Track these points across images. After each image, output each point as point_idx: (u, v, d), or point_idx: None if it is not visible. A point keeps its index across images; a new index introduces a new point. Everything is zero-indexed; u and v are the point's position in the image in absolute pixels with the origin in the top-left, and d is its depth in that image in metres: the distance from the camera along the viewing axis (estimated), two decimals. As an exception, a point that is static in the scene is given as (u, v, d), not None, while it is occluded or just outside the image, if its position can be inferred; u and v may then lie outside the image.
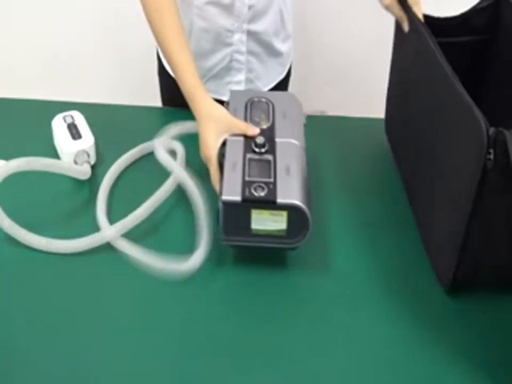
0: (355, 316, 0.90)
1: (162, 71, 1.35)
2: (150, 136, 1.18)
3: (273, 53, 1.31)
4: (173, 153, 1.05)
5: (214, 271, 0.95)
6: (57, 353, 0.83)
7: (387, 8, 1.09)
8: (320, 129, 1.25)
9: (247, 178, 0.91)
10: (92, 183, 1.09)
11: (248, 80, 1.31)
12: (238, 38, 1.24)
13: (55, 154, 1.13)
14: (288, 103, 1.09)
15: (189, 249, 0.93)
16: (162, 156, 1.01)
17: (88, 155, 1.10)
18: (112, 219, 0.98)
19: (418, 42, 1.02)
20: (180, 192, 1.01)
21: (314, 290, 0.94)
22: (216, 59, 1.27)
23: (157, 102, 1.42)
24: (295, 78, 1.45)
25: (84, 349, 0.84)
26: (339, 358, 0.85)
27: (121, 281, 0.92)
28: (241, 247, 0.96)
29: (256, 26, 1.24)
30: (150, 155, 1.15)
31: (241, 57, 1.27)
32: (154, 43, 1.12)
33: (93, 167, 1.11)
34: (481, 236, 0.86)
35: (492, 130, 0.77)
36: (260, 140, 0.97)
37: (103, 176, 1.10)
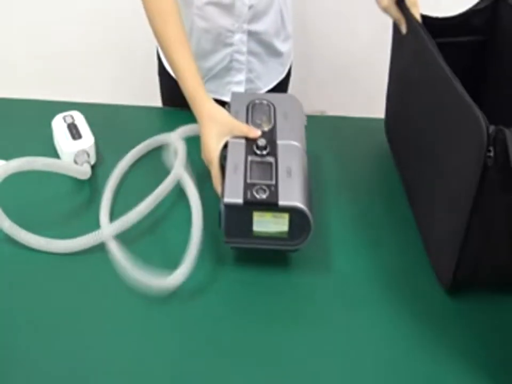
0: (355, 316, 0.90)
1: (162, 71, 1.35)
2: (150, 136, 1.18)
3: (274, 53, 1.31)
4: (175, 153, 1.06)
5: (214, 270, 0.95)
6: (57, 353, 0.83)
7: (385, 10, 1.09)
8: (320, 129, 1.25)
9: (248, 181, 0.92)
10: (92, 183, 1.09)
11: (249, 80, 1.31)
12: (239, 38, 1.24)
13: (55, 154, 1.13)
14: (289, 105, 1.09)
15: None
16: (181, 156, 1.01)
17: (88, 155, 1.10)
18: (113, 219, 0.98)
19: (417, 43, 1.02)
20: (181, 190, 1.01)
21: (315, 290, 0.94)
22: (216, 59, 1.27)
23: (157, 102, 1.42)
24: (295, 78, 1.45)
25: (84, 348, 0.84)
26: (339, 357, 0.85)
27: (121, 281, 0.92)
28: (242, 248, 0.96)
29: (257, 27, 1.24)
30: (151, 153, 1.15)
31: (242, 57, 1.27)
32: (155, 43, 1.12)
33: (93, 167, 1.11)
34: (481, 236, 0.86)
35: (491, 128, 0.77)
36: (262, 142, 0.97)
37: (103, 176, 1.10)
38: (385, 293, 0.94)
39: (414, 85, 1.07)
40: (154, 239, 1.00)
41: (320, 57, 2.11)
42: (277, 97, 1.11)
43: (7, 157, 1.00)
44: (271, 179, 0.92)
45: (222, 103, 1.22)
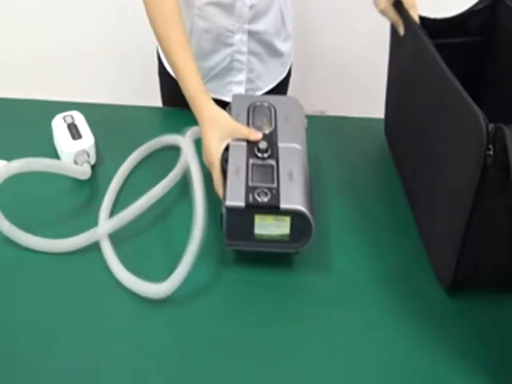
0: (355, 316, 0.91)
1: (162, 71, 1.35)
2: (150, 136, 1.18)
3: (274, 53, 1.31)
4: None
5: (215, 270, 0.95)
6: (55, 353, 0.83)
7: (382, 12, 1.10)
8: (320, 129, 1.25)
9: (250, 184, 0.92)
10: (92, 183, 1.09)
11: (249, 80, 1.31)
12: (239, 38, 1.24)
13: (55, 154, 1.13)
14: (290, 107, 1.09)
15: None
16: (190, 156, 1.01)
17: (88, 155, 1.10)
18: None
19: (415, 45, 1.02)
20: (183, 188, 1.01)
21: (315, 290, 0.94)
22: (217, 59, 1.27)
23: (157, 102, 1.42)
24: (295, 78, 1.45)
25: (83, 348, 0.84)
26: (339, 357, 0.85)
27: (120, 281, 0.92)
28: (243, 250, 0.96)
29: (257, 26, 1.24)
30: (153, 155, 1.15)
31: (242, 57, 1.27)
32: (155, 43, 1.12)
33: (93, 167, 1.11)
34: (481, 236, 0.86)
35: (491, 126, 0.77)
36: (263, 145, 0.97)
37: (103, 176, 1.10)
38: (385, 293, 0.94)
39: (413, 85, 1.07)
40: (155, 237, 1.00)
41: (320, 57, 2.11)
42: (277, 99, 1.11)
43: (7, 157, 1.01)
44: (272, 182, 0.92)
45: (223, 103, 1.22)
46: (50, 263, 0.95)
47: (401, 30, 1.09)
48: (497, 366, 0.84)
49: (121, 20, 1.97)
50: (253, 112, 1.06)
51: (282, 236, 0.91)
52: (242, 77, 1.30)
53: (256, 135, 1.00)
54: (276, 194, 0.90)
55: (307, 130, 1.07)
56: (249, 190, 0.91)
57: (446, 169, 0.91)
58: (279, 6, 1.25)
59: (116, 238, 0.97)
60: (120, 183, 1.07)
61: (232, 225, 0.91)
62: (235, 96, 1.12)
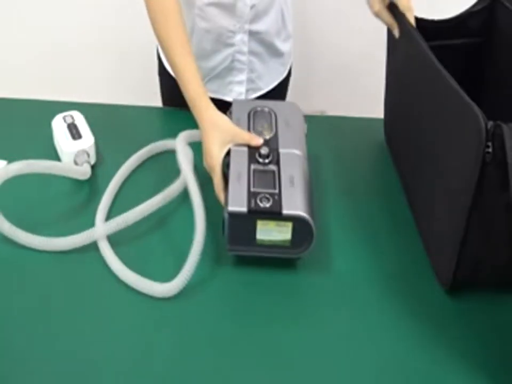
0: (355, 316, 0.90)
1: (162, 71, 1.35)
2: (150, 136, 1.18)
3: (275, 53, 1.31)
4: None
5: (215, 270, 0.95)
6: (55, 352, 0.83)
7: (376, 14, 1.10)
8: (320, 129, 1.25)
9: (252, 189, 0.92)
10: (92, 183, 1.09)
11: (250, 80, 1.31)
12: (240, 39, 1.24)
13: (55, 155, 1.13)
14: (290, 113, 1.10)
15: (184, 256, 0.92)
16: (183, 163, 1.01)
17: (88, 155, 1.10)
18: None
19: (410, 46, 1.02)
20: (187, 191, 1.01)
21: (315, 290, 0.94)
22: (218, 59, 1.27)
23: (157, 102, 1.42)
24: (295, 78, 1.45)
25: (83, 347, 0.84)
26: (339, 357, 0.85)
27: (120, 280, 0.92)
28: (244, 255, 0.96)
29: (258, 26, 1.24)
30: (152, 158, 1.15)
31: (243, 58, 1.27)
32: (155, 42, 1.12)
33: (93, 167, 1.11)
34: (481, 235, 0.86)
35: (490, 124, 0.77)
36: (265, 150, 0.98)
37: (103, 176, 1.10)
38: (385, 293, 0.94)
39: (411, 86, 1.07)
40: (154, 239, 1.00)
41: (320, 57, 2.11)
42: (278, 104, 1.11)
43: (7, 157, 1.01)
44: (274, 188, 0.93)
45: (223, 103, 1.23)
46: (50, 262, 0.95)
47: (396, 33, 1.09)
48: (497, 366, 0.84)
49: (121, 20, 1.97)
50: (254, 117, 1.07)
51: (284, 241, 0.92)
52: (243, 77, 1.30)
53: (257, 141, 1.00)
54: (277, 200, 0.91)
55: (307, 135, 1.08)
56: (251, 195, 0.91)
57: (445, 168, 0.91)
58: (279, 6, 1.25)
59: (114, 239, 0.96)
60: (118, 186, 1.07)
61: (234, 231, 0.91)
62: (235, 101, 1.12)
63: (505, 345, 0.87)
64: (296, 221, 0.90)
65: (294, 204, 0.91)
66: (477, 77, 1.14)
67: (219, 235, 0.95)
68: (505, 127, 0.76)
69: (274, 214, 0.90)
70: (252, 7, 1.20)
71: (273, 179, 0.95)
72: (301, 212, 0.90)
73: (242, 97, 1.32)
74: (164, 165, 1.12)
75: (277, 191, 0.92)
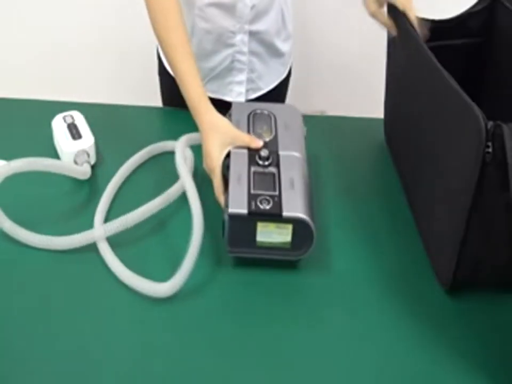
0: (355, 316, 0.90)
1: (162, 71, 1.35)
2: (150, 136, 1.18)
3: (275, 53, 1.31)
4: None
5: (214, 270, 0.95)
6: (55, 351, 0.83)
7: (372, 15, 1.10)
8: (320, 129, 1.25)
9: (252, 191, 0.92)
10: (92, 183, 1.09)
11: (250, 80, 1.31)
12: (240, 39, 1.24)
13: (55, 154, 1.13)
14: (289, 115, 1.10)
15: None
16: (180, 165, 1.01)
17: (88, 155, 1.10)
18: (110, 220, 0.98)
19: (410, 47, 1.02)
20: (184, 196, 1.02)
21: (314, 290, 0.94)
22: (218, 60, 1.27)
23: (157, 102, 1.42)
24: (295, 78, 1.45)
25: (83, 348, 0.83)
26: (339, 357, 0.85)
27: (120, 280, 0.92)
28: (244, 257, 0.96)
29: (258, 27, 1.24)
30: (154, 158, 1.15)
31: (243, 58, 1.27)
32: (155, 42, 1.12)
33: (93, 167, 1.11)
34: (481, 235, 0.86)
35: (490, 124, 0.77)
36: (265, 152, 0.98)
37: (103, 176, 1.10)
38: (385, 293, 0.94)
39: (411, 86, 1.07)
40: (153, 240, 1.00)
41: (320, 57, 2.11)
42: (277, 107, 1.12)
43: (7, 157, 1.01)
44: (274, 190, 0.93)
45: (223, 103, 1.23)
46: (49, 262, 0.95)
47: (392, 32, 1.09)
48: (497, 366, 0.84)
49: (121, 20, 1.97)
50: (253, 119, 1.07)
51: (284, 243, 0.92)
52: (243, 77, 1.30)
53: (257, 143, 1.00)
54: (278, 202, 0.91)
55: (306, 137, 1.08)
56: (251, 197, 0.91)
57: (445, 168, 0.91)
58: (279, 6, 1.25)
59: (114, 240, 0.96)
60: (116, 187, 1.07)
61: (234, 233, 0.92)
62: (235, 104, 1.13)
63: (505, 345, 0.87)
64: (296, 223, 0.90)
65: (294, 206, 0.91)
66: (477, 77, 1.14)
67: (219, 236, 0.95)
68: (505, 127, 0.76)
69: (275, 216, 0.90)
70: (252, 7, 1.20)
71: (273, 181, 0.95)
72: (301, 214, 0.90)
73: (243, 97, 1.32)
74: (163, 166, 1.12)
75: (277, 193, 0.93)
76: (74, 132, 1.11)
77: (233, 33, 1.23)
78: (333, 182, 1.14)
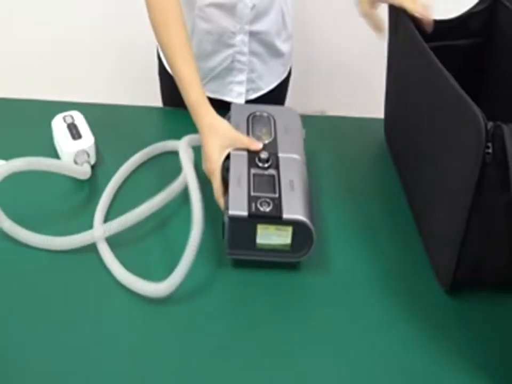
0: (355, 316, 0.90)
1: (162, 71, 1.35)
2: (150, 136, 1.18)
3: (275, 53, 1.31)
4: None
5: (214, 270, 0.95)
6: (55, 351, 0.83)
7: (364, 16, 1.10)
8: (320, 129, 1.25)
9: (252, 194, 0.92)
10: (92, 183, 1.09)
11: (250, 80, 1.31)
12: (240, 39, 1.24)
13: (55, 154, 1.13)
14: (288, 118, 1.10)
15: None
16: (185, 163, 1.01)
17: (88, 155, 1.10)
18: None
19: (411, 46, 1.02)
20: (186, 194, 1.01)
21: (314, 290, 0.94)
22: (218, 60, 1.27)
23: (157, 102, 1.42)
24: (295, 78, 1.45)
25: (83, 348, 0.83)
26: (339, 357, 0.85)
27: (117, 279, 0.92)
28: (244, 259, 0.96)
29: (258, 27, 1.24)
30: (154, 158, 1.15)
31: (243, 58, 1.27)
32: (155, 42, 1.12)
33: (93, 167, 1.11)
34: (481, 235, 0.86)
35: (490, 124, 0.77)
36: (264, 155, 0.98)
37: (103, 176, 1.10)
38: (385, 293, 0.94)
39: (411, 86, 1.07)
40: (153, 240, 1.00)
41: (320, 57, 2.11)
42: (276, 109, 1.12)
43: (7, 157, 1.01)
44: (274, 192, 0.93)
45: (223, 103, 1.22)
46: (49, 262, 0.95)
47: (381, 35, 1.09)
48: (497, 366, 0.84)
49: (121, 20, 1.97)
50: (252, 122, 1.07)
51: (284, 245, 0.92)
52: (243, 77, 1.30)
53: (256, 145, 1.00)
54: (278, 204, 0.91)
55: (305, 140, 1.08)
56: (251, 199, 0.91)
57: (445, 168, 0.91)
58: (279, 6, 1.25)
59: (114, 240, 0.96)
60: (116, 187, 1.07)
61: (234, 235, 0.92)
62: (234, 106, 1.13)
63: (505, 345, 0.87)
64: (296, 225, 0.90)
65: (294, 208, 0.91)
66: (478, 77, 1.14)
67: (219, 236, 0.95)
68: (505, 128, 0.76)
69: (275, 218, 0.90)
70: (252, 7, 1.20)
71: (273, 183, 0.95)
72: (301, 216, 0.90)
73: (243, 97, 1.32)
74: (164, 166, 1.12)
75: (277, 195, 0.93)
76: (74, 132, 1.11)
77: (234, 33, 1.23)
78: (332, 182, 1.14)
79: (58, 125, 1.13)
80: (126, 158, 1.11)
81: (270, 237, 0.91)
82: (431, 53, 0.94)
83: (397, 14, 1.08)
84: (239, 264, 0.96)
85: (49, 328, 0.86)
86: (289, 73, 1.41)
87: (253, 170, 0.97)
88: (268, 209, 0.90)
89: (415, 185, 1.06)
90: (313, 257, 0.95)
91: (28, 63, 2.10)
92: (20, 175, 0.96)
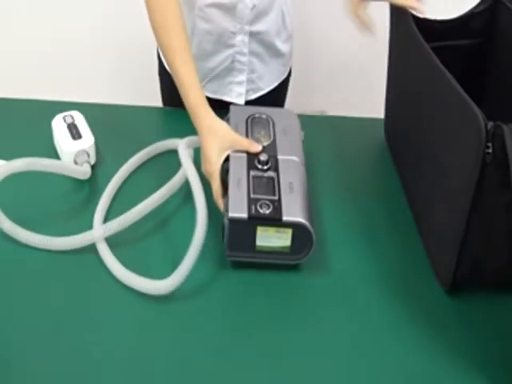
0: (355, 316, 0.90)
1: (162, 71, 1.35)
2: (150, 136, 1.18)
3: (276, 53, 1.31)
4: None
5: (215, 271, 0.95)
6: (55, 352, 0.83)
7: (353, 15, 1.10)
8: (320, 129, 1.25)
9: (252, 196, 0.93)
10: (92, 183, 1.09)
11: (250, 81, 1.31)
12: (240, 39, 1.24)
13: (55, 154, 1.13)
14: (287, 120, 1.11)
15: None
16: (185, 162, 1.01)
17: (88, 155, 1.10)
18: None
19: (412, 46, 1.02)
20: (187, 193, 1.02)
21: (314, 290, 0.94)
22: (218, 60, 1.27)
23: (157, 102, 1.42)
24: (295, 78, 1.45)
25: (83, 348, 0.83)
26: (339, 357, 0.85)
27: (121, 281, 0.92)
28: (243, 261, 0.96)
29: (258, 27, 1.24)
30: (155, 158, 1.15)
31: (243, 58, 1.27)
32: (155, 42, 1.12)
33: (93, 167, 1.11)
34: (481, 235, 0.86)
35: (490, 124, 0.77)
36: (264, 157, 0.98)
37: (103, 176, 1.10)
38: (385, 293, 0.94)
39: (411, 86, 1.07)
40: (154, 240, 1.00)
41: (320, 56, 2.11)
42: (274, 111, 1.12)
43: (7, 157, 1.01)
44: (274, 194, 0.93)
45: (223, 104, 1.22)
46: (49, 262, 0.94)
47: (370, 34, 1.09)
48: (497, 366, 0.84)
49: (121, 20, 1.97)
50: (251, 124, 1.07)
51: (284, 247, 0.92)
52: (243, 77, 1.30)
53: (256, 147, 1.00)
54: (277, 206, 0.91)
55: (303, 142, 1.08)
56: (251, 201, 0.92)
57: (445, 168, 0.91)
58: (279, 6, 1.25)
59: (114, 240, 0.96)
60: (116, 187, 1.07)
61: (234, 237, 0.92)
62: (233, 108, 1.13)
63: (505, 345, 0.87)
64: (296, 228, 0.90)
65: (294, 210, 0.91)
66: (478, 77, 1.14)
67: (219, 236, 0.95)
68: (505, 128, 0.76)
69: (275, 221, 0.90)
70: (253, 8, 1.20)
71: (273, 185, 0.95)
72: (301, 219, 0.90)
73: (243, 97, 1.32)
74: (164, 166, 1.12)
75: (276, 197, 0.93)
76: (74, 132, 1.11)
77: (234, 33, 1.23)
78: (332, 182, 1.14)
79: (58, 125, 1.13)
80: (126, 158, 1.11)
81: (270, 239, 0.92)
82: (432, 53, 0.94)
83: (398, 13, 1.08)
84: (239, 264, 0.96)
85: (49, 328, 0.86)
86: (289, 74, 1.41)
87: (252, 172, 0.97)
88: (267, 211, 0.90)
89: (415, 185, 1.06)
90: (313, 257, 0.95)
91: (28, 63, 2.10)
92: (19, 175, 0.96)
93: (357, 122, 1.32)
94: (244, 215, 0.90)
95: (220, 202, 0.97)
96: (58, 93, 1.32)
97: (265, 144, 1.02)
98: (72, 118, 1.15)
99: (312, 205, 0.98)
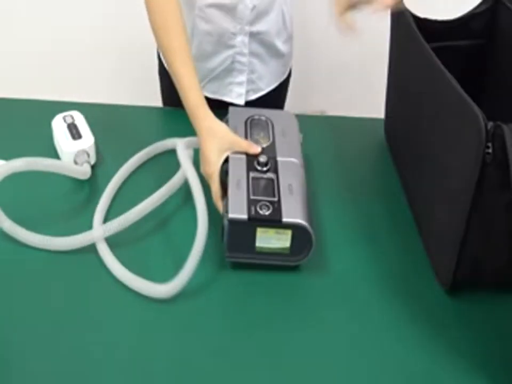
0: (355, 316, 0.90)
1: (162, 71, 1.35)
2: (150, 136, 1.18)
3: (276, 54, 1.31)
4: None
5: (215, 271, 0.95)
6: (55, 352, 0.83)
7: (339, 17, 1.10)
8: (320, 129, 1.25)
9: (252, 197, 0.93)
10: (92, 183, 1.09)
11: (250, 81, 1.31)
12: (240, 40, 1.24)
13: (55, 154, 1.13)
14: (286, 122, 1.11)
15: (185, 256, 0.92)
16: (184, 163, 1.01)
17: (88, 155, 1.10)
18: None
19: (412, 47, 1.02)
20: (187, 193, 1.02)
21: (314, 291, 0.94)
22: (218, 61, 1.27)
23: (157, 102, 1.42)
24: (295, 78, 1.45)
25: (83, 348, 0.83)
26: (339, 357, 0.85)
27: (121, 281, 0.92)
28: (243, 263, 0.96)
29: (258, 27, 1.24)
30: (155, 158, 1.15)
31: (243, 59, 1.27)
32: (155, 43, 1.12)
33: (93, 167, 1.11)
34: (481, 235, 0.86)
35: (490, 124, 0.77)
36: (263, 158, 0.98)
37: (103, 176, 1.10)
38: (385, 293, 0.94)
39: (412, 86, 1.07)
40: (154, 241, 1.00)
41: (320, 57, 2.11)
42: (273, 113, 1.12)
43: (7, 157, 1.01)
44: (273, 195, 0.93)
45: (223, 104, 1.22)
46: (49, 262, 0.94)
47: (355, 36, 1.09)
48: (497, 366, 0.84)
49: (121, 20, 1.97)
50: (250, 125, 1.08)
51: (283, 249, 0.92)
52: (243, 78, 1.30)
53: (255, 149, 1.00)
54: (277, 207, 0.91)
55: (302, 144, 1.08)
56: (251, 203, 0.92)
57: (445, 168, 0.91)
58: (280, 7, 1.25)
59: (114, 241, 0.96)
60: (116, 188, 1.07)
61: (233, 238, 0.92)
62: (232, 109, 1.13)
63: (505, 345, 0.87)
64: (296, 229, 0.91)
65: (294, 211, 0.91)
66: (479, 78, 1.14)
67: (218, 237, 0.95)
68: (505, 128, 0.76)
69: (274, 222, 0.90)
70: (253, 8, 1.20)
71: (272, 187, 0.95)
72: (301, 220, 0.90)
73: (243, 97, 1.32)
74: (164, 166, 1.12)
75: (276, 199, 0.93)
76: (74, 132, 1.11)
77: (234, 34, 1.23)
78: (332, 182, 1.14)
79: (58, 125, 1.13)
80: (126, 158, 1.11)
81: (270, 240, 0.92)
82: (432, 53, 0.94)
83: (398, 14, 1.07)
84: (239, 264, 0.96)
85: (49, 328, 0.86)
86: (290, 74, 1.41)
87: (252, 174, 0.97)
88: (267, 213, 0.90)
89: (415, 185, 1.06)
90: (313, 257, 0.95)
91: (28, 63, 2.10)
92: (19, 175, 0.96)
93: (357, 122, 1.32)
94: (244, 216, 0.90)
95: (219, 203, 0.97)
96: (58, 93, 1.32)
97: (264, 145, 1.03)
98: (72, 118, 1.15)
99: (311, 206, 0.98)
